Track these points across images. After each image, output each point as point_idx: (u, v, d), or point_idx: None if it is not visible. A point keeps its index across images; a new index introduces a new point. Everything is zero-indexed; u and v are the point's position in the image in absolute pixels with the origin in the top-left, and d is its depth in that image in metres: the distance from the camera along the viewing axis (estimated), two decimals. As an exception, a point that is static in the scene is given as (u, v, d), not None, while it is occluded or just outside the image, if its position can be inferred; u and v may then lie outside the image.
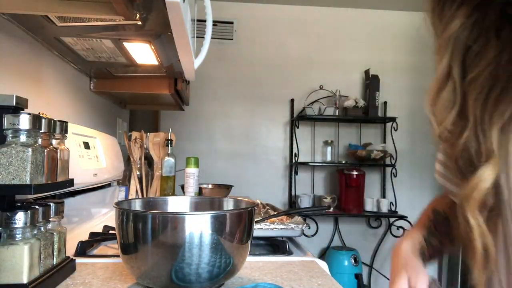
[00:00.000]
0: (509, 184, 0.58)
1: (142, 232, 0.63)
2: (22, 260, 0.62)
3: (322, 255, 3.18)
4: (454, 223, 0.67)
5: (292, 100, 3.26)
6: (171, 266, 0.62)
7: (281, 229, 1.07)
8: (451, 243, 0.77)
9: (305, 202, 3.10)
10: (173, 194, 1.80)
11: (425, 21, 0.69)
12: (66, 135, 0.80)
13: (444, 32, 0.66)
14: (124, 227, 0.65)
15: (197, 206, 0.87)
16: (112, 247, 1.04)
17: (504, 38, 0.64)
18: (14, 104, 0.67)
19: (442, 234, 0.77)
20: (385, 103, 3.28)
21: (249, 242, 0.71)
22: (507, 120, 0.59)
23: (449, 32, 0.66)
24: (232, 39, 3.29)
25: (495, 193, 0.59)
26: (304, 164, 3.15)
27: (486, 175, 0.58)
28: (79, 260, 0.83)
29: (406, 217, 2.97)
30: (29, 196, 0.91)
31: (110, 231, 1.16)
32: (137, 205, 0.80)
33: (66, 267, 0.75)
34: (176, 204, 0.85)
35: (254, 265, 0.86)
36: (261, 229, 1.06)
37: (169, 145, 1.83)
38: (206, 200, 0.91)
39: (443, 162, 0.69)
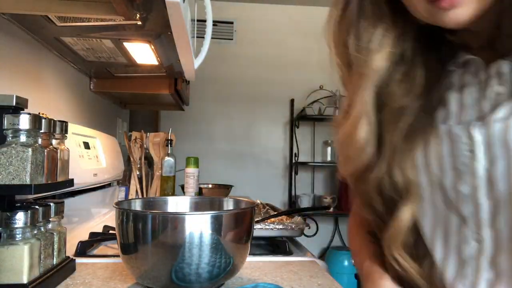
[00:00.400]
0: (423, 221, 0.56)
1: (142, 232, 0.63)
2: (22, 260, 0.62)
3: (322, 255, 3.18)
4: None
5: (292, 100, 3.25)
6: (171, 266, 0.62)
7: (281, 229, 1.07)
8: None
9: (305, 202, 3.10)
10: (173, 194, 1.80)
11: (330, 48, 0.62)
12: (66, 135, 0.80)
13: (365, 65, 0.56)
14: (124, 227, 0.65)
15: (197, 206, 0.87)
16: (112, 247, 1.04)
17: (432, 67, 0.57)
18: (14, 104, 0.67)
19: None
20: (385, 103, 3.28)
21: (249, 242, 0.71)
22: (419, 150, 0.55)
23: (373, 66, 0.55)
24: (232, 39, 3.29)
25: (415, 229, 0.57)
26: (304, 164, 3.15)
27: (404, 215, 0.56)
28: (79, 260, 0.83)
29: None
30: (29, 196, 0.91)
31: (110, 231, 1.16)
32: (137, 205, 0.80)
33: (66, 267, 0.75)
34: (176, 204, 0.85)
35: (254, 265, 0.86)
36: (261, 229, 1.06)
37: (169, 145, 1.83)
38: (206, 200, 0.91)
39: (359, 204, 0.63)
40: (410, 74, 0.57)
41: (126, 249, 0.66)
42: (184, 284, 0.64)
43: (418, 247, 0.58)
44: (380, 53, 0.55)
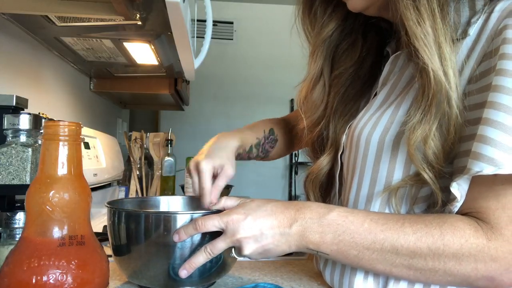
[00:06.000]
0: (338, 164, 0.69)
1: (134, 232, 0.63)
2: (22, 260, 0.62)
3: (322, 255, 3.18)
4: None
5: (292, 100, 3.26)
6: (164, 265, 0.62)
7: (281, 229, 1.07)
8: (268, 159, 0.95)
9: (305, 202, 3.10)
10: (173, 194, 1.80)
11: (297, 29, 0.77)
12: (66, 135, 0.80)
13: (317, 36, 0.72)
14: (116, 227, 0.64)
15: (192, 206, 0.86)
16: (112, 247, 1.04)
17: (370, 41, 0.72)
18: (14, 104, 0.68)
19: (266, 151, 0.92)
20: (385, 103, 3.28)
21: None
22: (352, 114, 0.70)
23: (323, 35, 0.71)
24: (232, 39, 3.29)
25: (329, 174, 0.71)
26: (304, 164, 3.15)
27: (325, 163, 0.70)
28: (79, 260, 0.82)
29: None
30: (29, 196, 0.90)
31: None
32: (128, 205, 0.79)
33: (66, 267, 0.75)
34: (169, 204, 0.84)
35: (254, 265, 0.86)
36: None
37: (169, 145, 1.83)
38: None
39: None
40: (353, 46, 0.72)
41: (118, 249, 0.65)
42: (175, 283, 0.64)
43: (328, 190, 0.72)
44: (329, 26, 0.71)
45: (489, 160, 0.47)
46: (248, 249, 0.58)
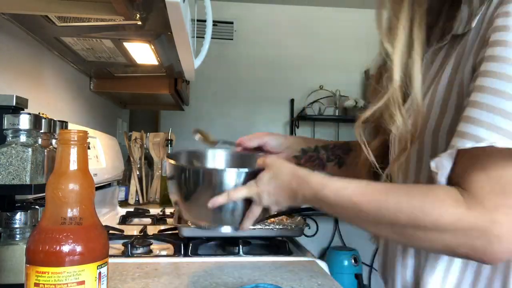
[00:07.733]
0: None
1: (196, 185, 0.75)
2: (22, 260, 0.62)
3: (322, 255, 3.18)
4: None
5: (292, 100, 3.26)
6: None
7: (281, 229, 1.07)
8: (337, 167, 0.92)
9: (305, 202, 3.09)
10: (173, 194, 1.80)
11: None
12: (66, 135, 0.80)
13: None
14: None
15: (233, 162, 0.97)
16: (113, 247, 1.04)
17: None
18: (14, 104, 0.67)
19: (338, 156, 0.92)
20: (385, 103, 3.27)
21: None
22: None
23: None
24: (232, 39, 3.29)
25: None
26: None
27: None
28: (79, 260, 0.83)
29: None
30: (29, 196, 0.91)
31: (110, 231, 1.17)
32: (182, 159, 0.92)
33: (66, 267, 0.75)
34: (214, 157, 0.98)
35: (254, 265, 0.86)
36: (261, 229, 1.06)
37: (169, 145, 1.83)
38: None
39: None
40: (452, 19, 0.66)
41: (187, 198, 0.77)
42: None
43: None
44: None
45: (471, 136, 0.50)
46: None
